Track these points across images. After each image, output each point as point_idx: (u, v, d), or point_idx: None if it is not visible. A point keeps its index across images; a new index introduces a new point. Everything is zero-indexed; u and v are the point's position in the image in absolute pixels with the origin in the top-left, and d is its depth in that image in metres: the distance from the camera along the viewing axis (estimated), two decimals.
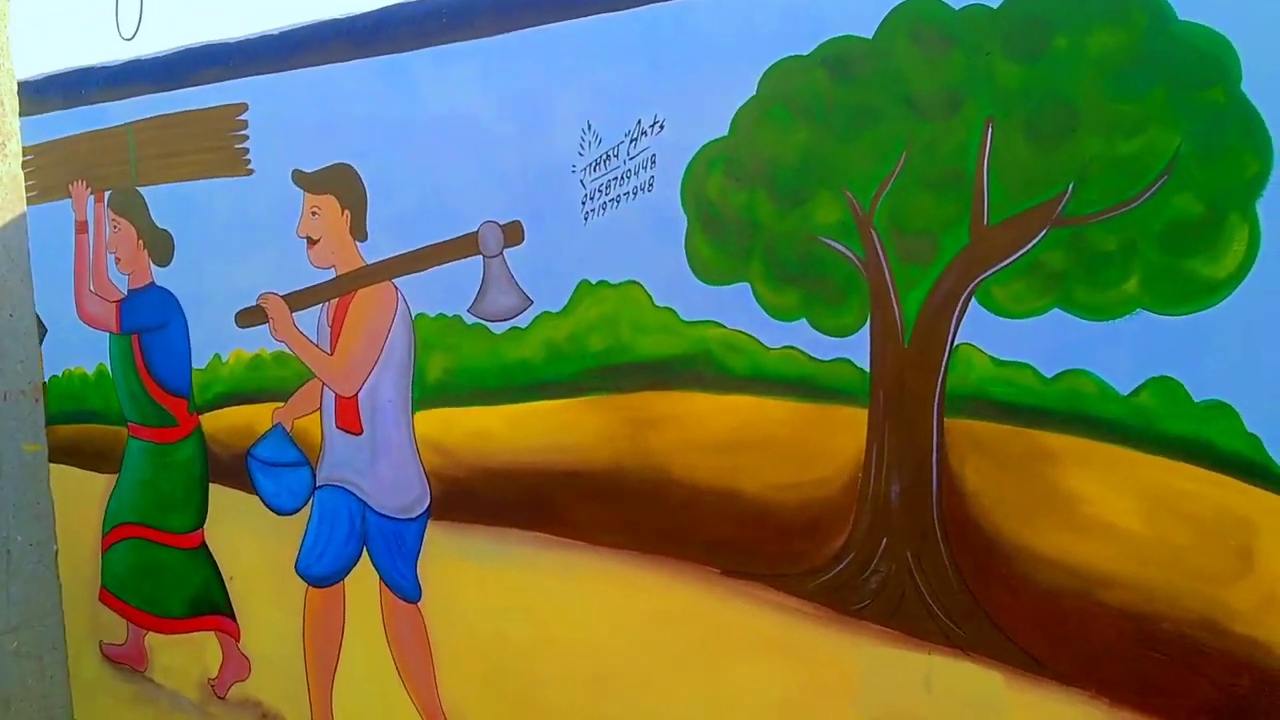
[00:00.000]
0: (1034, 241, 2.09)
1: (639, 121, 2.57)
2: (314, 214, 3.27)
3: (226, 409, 3.65)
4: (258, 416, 3.54)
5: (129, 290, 3.86)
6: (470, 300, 2.94)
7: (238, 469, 3.63)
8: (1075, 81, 2.02)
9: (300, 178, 3.28)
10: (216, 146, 3.50)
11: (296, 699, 3.57)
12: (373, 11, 3.05)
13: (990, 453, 2.19)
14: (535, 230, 2.79)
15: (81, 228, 3.97)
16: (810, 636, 2.46)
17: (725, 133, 2.45)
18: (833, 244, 2.33)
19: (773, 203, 2.40)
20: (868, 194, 2.28)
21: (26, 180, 4.13)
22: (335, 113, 3.16)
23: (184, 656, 3.93)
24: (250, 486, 3.60)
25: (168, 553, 3.90)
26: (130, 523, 4.01)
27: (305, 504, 3.45)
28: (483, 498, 3.00)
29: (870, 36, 2.24)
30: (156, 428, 3.86)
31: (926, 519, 2.28)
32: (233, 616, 3.75)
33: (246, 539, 3.66)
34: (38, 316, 4.21)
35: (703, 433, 2.57)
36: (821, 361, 2.38)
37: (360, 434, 3.26)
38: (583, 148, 2.67)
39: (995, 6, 2.09)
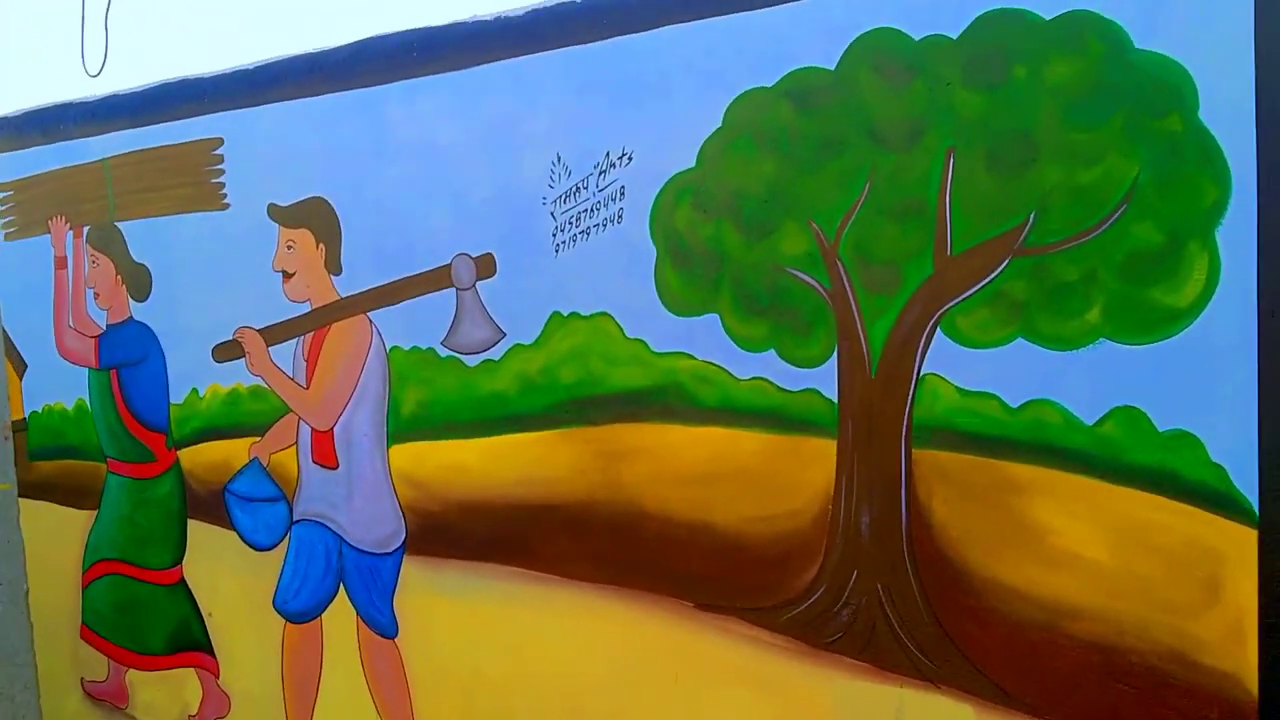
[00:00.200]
0: (997, 271, 2.09)
1: (607, 153, 2.57)
2: (289, 248, 3.26)
3: (204, 444, 3.63)
4: (235, 451, 3.53)
5: (108, 325, 3.85)
6: (444, 333, 2.93)
7: (215, 504, 3.61)
8: (1034, 111, 2.02)
9: (275, 212, 3.28)
10: (193, 181, 3.50)
11: None
12: (346, 45, 3.06)
13: (958, 484, 2.18)
14: (507, 262, 2.79)
15: (61, 263, 3.97)
16: (783, 670, 2.43)
17: (692, 164, 2.45)
18: (799, 275, 2.33)
19: (740, 234, 2.40)
20: (833, 225, 2.27)
21: (5, 216, 4.13)
22: (309, 146, 3.17)
23: (164, 693, 3.90)
24: (228, 522, 3.57)
25: (147, 589, 3.88)
26: (110, 559, 3.99)
27: (282, 539, 3.42)
28: (458, 532, 2.98)
29: (833, 68, 2.25)
30: (135, 463, 3.84)
31: (896, 551, 2.26)
32: (212, 653, 3.72)
33: (225, 575, 3.64)
34: (18, 351, 4.21)
35: (675, 465, 2.55)
36: (790, 392, 2.37)
37: (336, 468, 3.24)
38: (552, 180, 2.67)
39: (955, 36, 2.09)
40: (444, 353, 2.94)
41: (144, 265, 3.71)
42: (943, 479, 2.20)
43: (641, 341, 2.57)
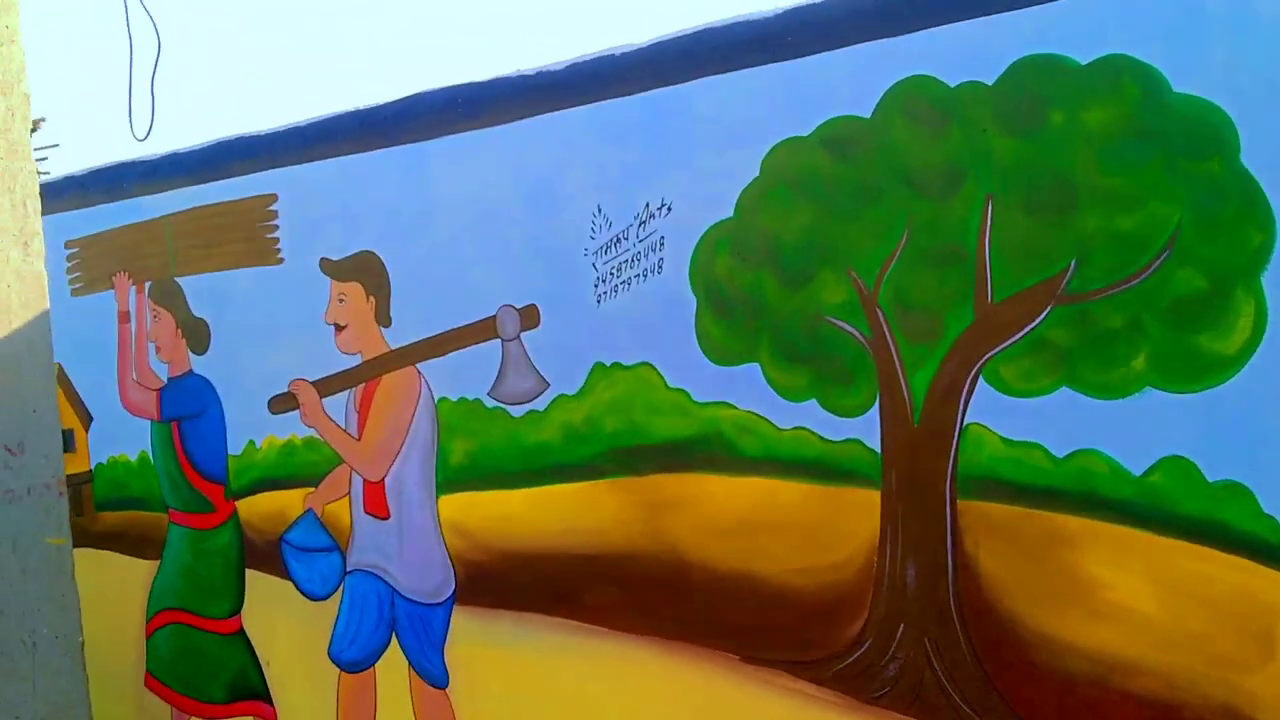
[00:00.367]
0: (1039, 319, 2.05)
1: (647, 204, 2.58)
2: (340, 301, 3.32)
3: (261, 494, 3.68)
4: (290, 502, 3.57)
5: (169, 378, 3.94)
6: (490, 384, 2.95)
7: (272, 554, 3.66)
8: (1072, 156, 1.99)
9: (327, 266, 3.34)
10: (248, 237, 3.57)
11: None
12: (394, 101, 3.12)
13: (1004, 535, 2.13)
14: (550, 313, 2.80)
15: (124, 318, 4.07)
16: None
17: (731, 214, 2.45)
18: (839, 323, 2.31)
19: (779, 283, 2.39)
20: (872, 273, 2.26)
21: (72, 272, 4.26)
22: (359, 200, 3.22)
23: None
24: (284, 572, 3.62)
25: (207, 638, 3.93)
26: (172, 608, 4.05)
27: (337, 589, 3.46)
28: (506, 582, 2.99)
29: (868, 115, 2.24)
30: (195, 514, 3.91)
31: (943, 604, 2.22)
32: (270, 701, 3.76)
33: (282, 624, 3.68)
34: (84, 404, 4.32)
35: (718, 515, 2.53)
36: (833, 442, 2.34)
37: (387, 519, 3.27)
38: (594, 231, 2.68)
39: (990, 83, 2.08)
40: (490, 403, 2.96)
41: (203, 319, 3.80)
42: (989, 530, 2.15)
43: (683, 391, 2.56)
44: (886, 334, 2.25)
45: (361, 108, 3.21)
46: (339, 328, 3.33)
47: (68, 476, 4.43)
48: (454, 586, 3.12)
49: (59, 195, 4.22)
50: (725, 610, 2.54)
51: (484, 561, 3.04)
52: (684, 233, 2.53)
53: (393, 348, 3.20)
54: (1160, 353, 1.93)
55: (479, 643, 3.07)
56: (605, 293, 2.68)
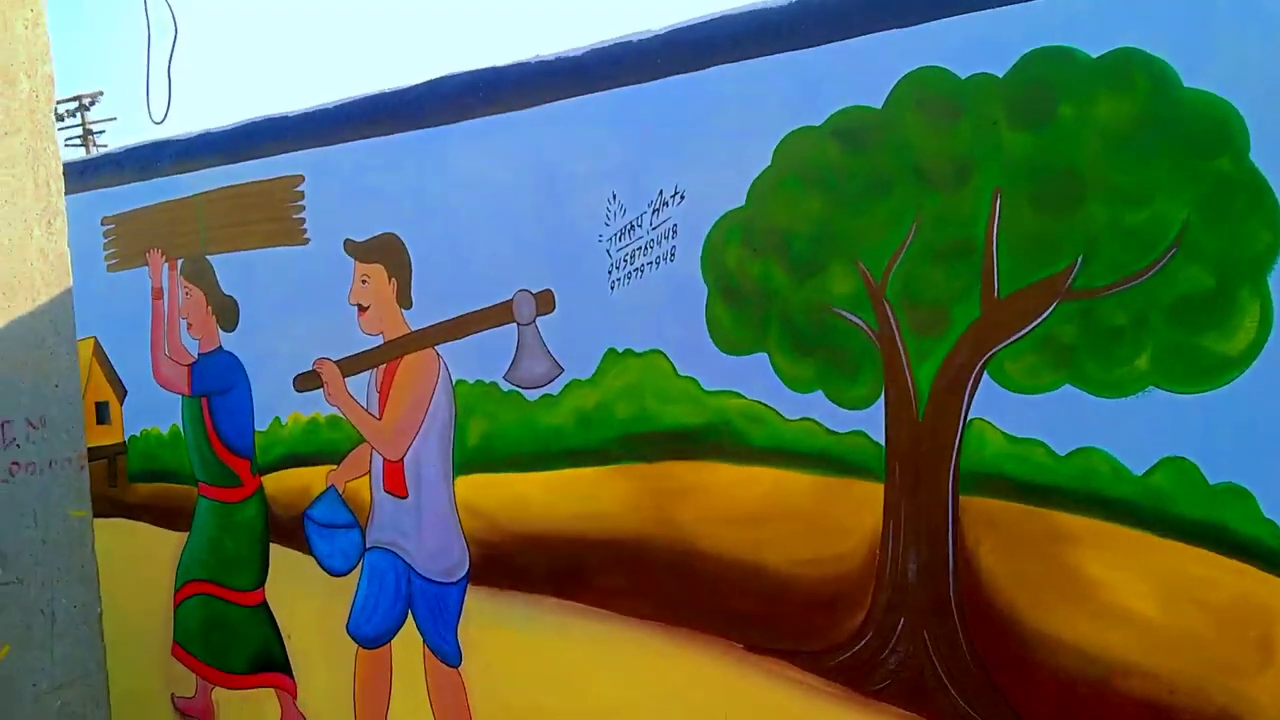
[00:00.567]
0: (1044, 315, 2.03)
1: (660, 192, 2.58)
2: (364, 282, 3.35)
3: (286, 470, 3.74)
4: (314, 478, 3.62)
5: (199, 354, 4.00)
6: (506, 368, 2.97)
7: (296, 529, 3.71)
8: (1081, 150, 1.97)
9: (351, 247, 3.37)
10: (276, 217, 3.62)
11: None
12: (417, 85, 3.14)
13: (1005, 532, 2.12)
14: (565, 299, 2.82)
15: (157, 294, 4.14)
16: (831, 717, 2.39)
17: (742, 203, 2.45)
18: (847, 315, 2.30)
19: (788, 273, 2.38)
20: (880, 265, 2.24)
21: (108, 248, 4.33)
22: (382, 183, 3.25)
23: (247, 712, 4.01)
24: (307, 547, 3.67)
25: (232, 610, 4.00)
26: (199, 579, 4.13)
27: (356, 565, 3.50)
28: (519, 564, 3.01)
29: (879, 106, 2.22)
30: (223, 487, 3.97)
31: (944, 599, 2.21)
32: (291, 674, 3.82)
33: (303, 598, 3.73)
34: (119, 378, 4.40)
35: (725, 504, 2.54)
36: (838, 434, 2.34)
37: (406, 498, 3.31)
38: (608, 218, 2.69)
39: (1001, 75, 2.05)
40: (506, 387, 2.98)
41: (232, 297, 3.85)
42: (990, 527, 2.14)
43: (693, 379, 2.56)
44: (893, 327, 2.24)
45: (385, 91, 3.23)
46: (362, 308, 3.37)
47: (103, 448, 4.54)
48: (468, 566, 3.15)
49: (97, 172, 4.29)
50: (730, 599, 2.55)
51: (498, 542, 3.06)
52: (697, 221, 2.53)
53: (413, 329, 3.23)
54: (1164, 352, 1.90)
55: (491, 623, 3.10)
56: (619, 279, 2.69)
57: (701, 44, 2.50)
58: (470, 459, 3.11)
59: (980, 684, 2.16)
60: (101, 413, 4.52)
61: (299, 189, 3.53)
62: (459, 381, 3.11)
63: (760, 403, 2.45)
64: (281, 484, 3.77)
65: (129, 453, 4.42)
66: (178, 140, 3.96)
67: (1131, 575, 1.97)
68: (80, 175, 4.34)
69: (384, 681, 3.47)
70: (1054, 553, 2.06)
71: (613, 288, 2.70)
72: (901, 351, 2.23)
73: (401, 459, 3.31)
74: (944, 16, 2.11)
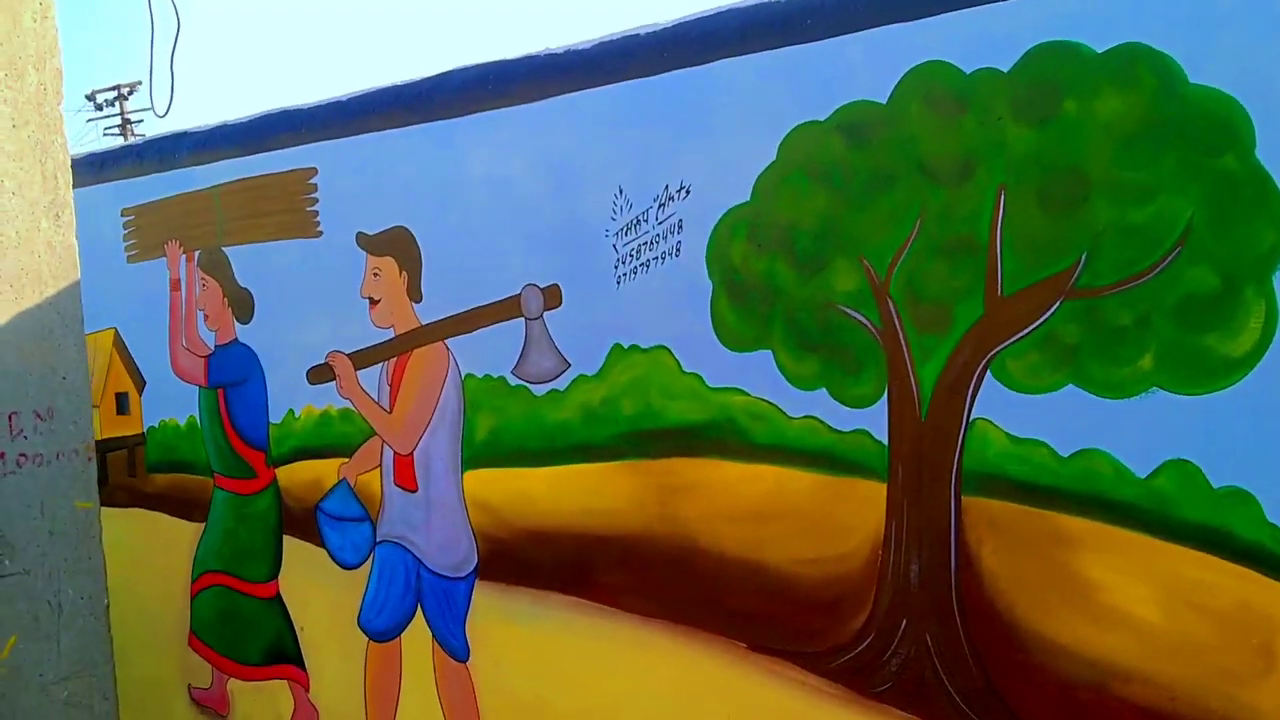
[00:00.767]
0: (1048, 313, 2.00)
1: (666, 186, 2.56)
2: (375, 275, 3.35)
3: (299, 463, 3.75)
4: (326, 471, 3.63)
5: (215, 346, 4.02)
6: (514, 362, 2.96)
7: (309, 521, 3.73)
8: (1086, 147, 1.93)
9: (363, 240, 3.37)
10: (290, 209, 3.63)
11: None
12: (428, 78, 3.14)
13: (1007, 534, 2.09)
14: (571, 293, 2.81)
15: (175, 285, 4.16)
16: (832, 718, 2.38)
17: (748, 198, 2.43)
18: (850, 312, 2.28)
19: (793, 269, 2.36)
20: (884, 261, 2.22)
21: (128, 240, 4.36)
22: (394, 176, 3.25)
23: (261, 703, 4.04)
24: (319, 539, 3.69)
25: (247, 601, 4.02)
26: (215, 570, 4.15)
27: (367, 559, 3.51)
28: (526, 559, 3.01)
29: (884, 101, 2.19)
30: (238, 479, 4.00)
31: (945, 601, 2.19)
32: (303, 666, 3.84)
33: (316, 591, 3.75)
34: (138, 368, 4.43)
35: (729, 502, 2.52)
36: (841, 432, 2.32)
37: (415, 491, 3.31)
38: (615, 212, 2.67)
39: (1006, 70, 2.02)
40: (514, 381, 2.97)
41: (247, 289, 3.87)
42: (992, 528, 2.11)
43: (698, 376, 2.55)
44: (896, 324, 2.21)
45: (396, 84, 3.23)
46: (373, 301, 3.37)
47: (123, 438, 4.58)
48: (476, 561, 3.15)
49: (117, 164, 4.33)
50: (734, 597, 2.53)
51: (505, 538, 3.06)
52: (702, 216, 2.51)
53: (423, 323, 3.23)
54: (1168, 352, 1.87)
55: (499, 618, 3.10)
56: (625, 274, 2.67)
57: (707, 37, 2.48)
58: (478, 453, 3.11)
59: (981, 687, 2.14)
60: (121, 403, 4.56)
61: (312, 181, 3.54)
62: (468, 375, 3.11)
63: (764, 400, 2.43)
64: (295, 476, 3.78)
65: (147, 443, 4.45)
66: (195, 132, 3.98)
67: (1133, 579, 1.93)
68: (101, 167, 4.38)
69: (394, 675, 3.47)
70: (1056, 555, 2.03)
71: (619, 283, 2.69)
72: (904, 349, 2.20)
73: (411, 453, 3.31)
74: (949, 10, 2.08)
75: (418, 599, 3.36)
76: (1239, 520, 1.80)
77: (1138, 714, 1.93)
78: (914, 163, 2.16)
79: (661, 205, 2.57)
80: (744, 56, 2.40)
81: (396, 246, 3.28)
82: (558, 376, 2.86)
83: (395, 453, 3.37)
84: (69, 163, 2.57)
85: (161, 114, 3.64)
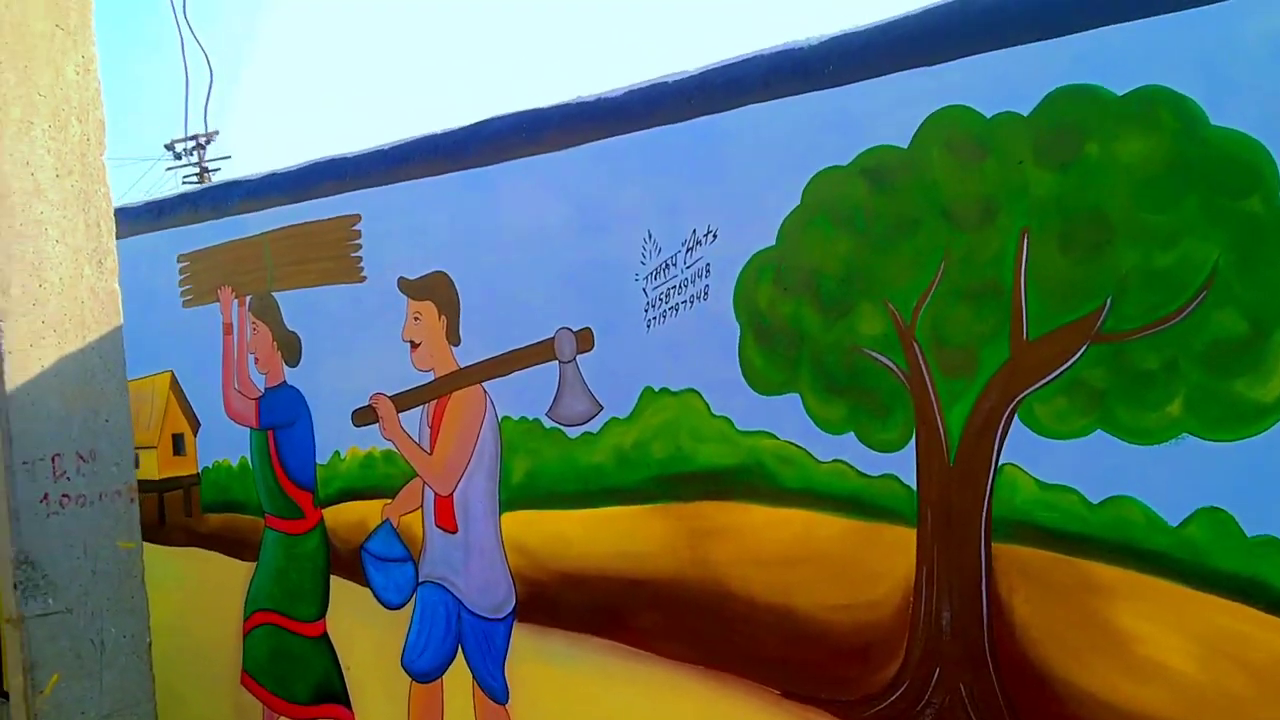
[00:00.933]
0: (1074, 358, 1.97)
1: (694, 230, 2.57)
2: (416, 319, 3.40)
3: (345, 504, 3.80)
4: (370, 512, 3.67)
5: (265, 388, 4.10)
6: (548, 405, 2.98)
7: (354, 562, 3.77)
8: (1108, 190, 1.91)
9: (404, 285, 3.42)
10: (335, 255, 3.69)
11: None
12: (465, 126, 3.18)
13: (1039, 582, 2.05)
14: (603, 337, 2.82)
15: (228, 330, 4.25)
16: None
17: (773, 242, 2.42)
18: (876, 356, 2.26)
19: (819, 313, 2.35)
20: (909, 305, 2.20)
21: (184, 284, 4.47)
22: (433, 222, 3.30)
23: None
24: (364, 579, 3.72)
25: (296, 640, 4.07)
26: (265, 609, 4.21)
27: (410, 599, 3.54)
28: (562, 602, 3.01)
29: (906, 146, 2.18)
30: (287, 519, 4.05)
31: (978, 651, 2.15)
32: (349, 705, 3.87)
33: (361, 631, 3.78)
34: (193, 410, 4.53)
35: (758, 546, 2.51)
36: (870, 477, 2.29)
37: (455, 533, 3.33)
38: (644, 256, 2.68)
39: (1026, 114, 2.00)
40: (549, 424, 2.99)
41: (295, 333, 3.94)
42: (1024, 576, 2.08)
43: (727, 419, 2.54)
44: (923, 368, 2.19)
45: (435, 132, 3.28)
46: (414, 345, 3.42)
47: (179, 478, 4.67)
48: (515, 603, 3.16)
49: (174, 211, 4.44)
50: (765, 643, 2.51)
51: (542, 580, 3.07)
52: (729, 260, 2.51)
53: (461, 366, 3.26)
54: (1197, 397, 1.82)
55: (536, 660, 3.10)
56: (654, 318, 2.68)
57: (733, 84, 2.49)
58: (515, 495, 3.12)
59: None
60: (177, 444, 4.65)
61: (356, 228, 3.60)
62: (504, 418, 3.13)
63: (792, 443, 2.42)
64: (341, 517, 3.83)
65: (202, 484, 4.54)
66: (246, 180, 4.08)
67: (1168, 630, 1.89)
68: (159, 214, 4.50)
69: (436, 716, 3.49)
70: (1089, 604, 1.98)
71: (649, 326, 2.69)
72: (931, 393, 2.18)
73: (451, 494, 3.34)
74: (969, 54, 2.07)
75: (458, 640, 3.38)
76: (1273, 570, 1.75)
77: None
78: (936, 207, 2.14)
79: (689, 249, 2.58)
80: (768, 103, 2.40)
81: (436, 291, 3.33)
82: (591, 419, 2.87)
83: (436, 494, 3.39)
84: (111, 211, 2.65)
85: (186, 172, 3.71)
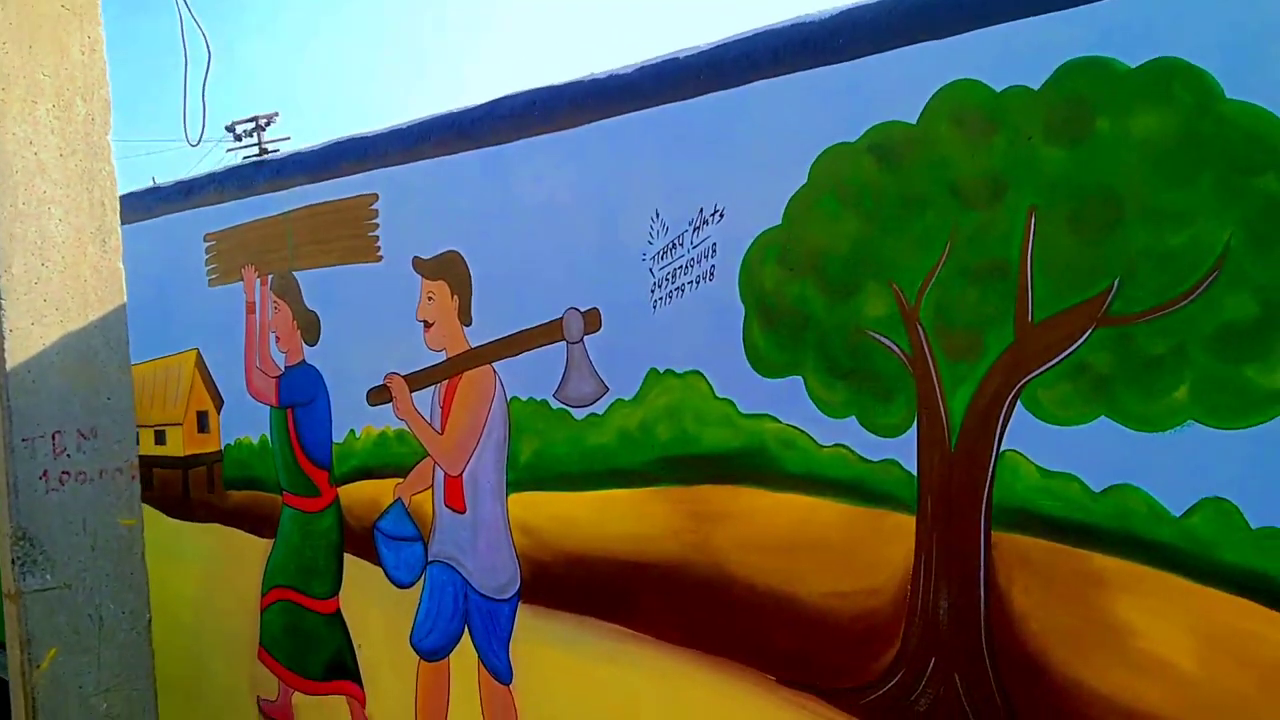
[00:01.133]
0: (1079, 342, 1.90)
1: (700, 210, 2.53)
2: (429, 299, 3.38)
3: (359, 482, 3.80)
4: (383, 490, 3.67)
5: (285, 367, 4.10)
6: (555, 385, 2.95)
7: (368, 540, 3.77)
8: (1118, 167, 1.84)
9: (418, 264, 3.41)
10: (353, 234, 3.68)
11: None
12: (480, 105, 3.16)
13: (1039, 572, 1.99)
14: (610, 317, 2.78)
15: (250, 308, 4.26)
16: None
17: (779, 221, 2.37)
18: (880, 338, 2.21)
19: (824, 294, 2.30)
20: (914, 286, 2.14)
21: (210, 264, 4.49)
22: (447, 201, 3.28)
23: (323, 718, 4.08)
24: (375, 558, 3.72)
25: (310, 616, 4.08)
26: (282, 586, 4.22)
27: (419, 578, 3.53)
28: (566, 584, 2.98)
29: (914, 121, 2.12)
30: (304, 496, 4.06)
31: (974, 641, 2.09)
32: (360, 683, 3.87)
33: (373, 609, 3.78)
34: (217, 387, 4.55)
35: (759, 532, 2.46)
36: (871, 462, 2.24)
37: (464, 513, 3.32)
38: (651, 236, 2.64)
39: (1036, 88, 1.94)
40: (555, 405, 2.96)
41: (314, 312, 3.94)
42: (1023, 565, 2.01)
43: (730, 401, 2.50)
44: (926, 351, 2.13)
45: (452, 111, 3.26)
46: (427, 325, 3.40)
47: (203, 455, 4.70)
48: (520, 584, 3.13)
49: (202, 191, 4.46)
50: (764, 630, 2.46)
51: (547, 561, 3.04)
52: (735, 240, 2.47)
53: (472, 345, 3.24)
54: (1204, 384, 1.75)
55: (539, 641, 3.08)
56: (661, 298, 2.64)
57: (744, 58, 2.44)
58: (522, 476, 3.10)
59: None
60: (202, 422, 4.68)
61: (374, 207, 3.59)
62: (513, 399, 3.10)
63: (795, 427, 2.37)
64: (355, 495, 3.83)
65: (224, 460, 4.56)
66: (271, 160, 4.08)
67: (1169, 624, 1.82)
68: (186, 194, 4.52)
69: (443, 695, 3.48)
70: (1089, 595, 1.92)
71: (655, 307, 2.65)
72: (934, 377, 2.12)
73: (460, 474, 3.32)
74: (979, 27, 2.01)
75: (465, 620, 3.36)
76: (1277, 563, 1.68)
77: None
78: (944, 184, 2.08)
79: (696, 229, 2.53)
80: (777, 78, 2.35)
81: (449, 271, 3.31)
82: (597, 400, 2.84)
83: (446, 474, 3.38)
84: (116, 190, 2.65)
85: (195, 143, 3.73)
